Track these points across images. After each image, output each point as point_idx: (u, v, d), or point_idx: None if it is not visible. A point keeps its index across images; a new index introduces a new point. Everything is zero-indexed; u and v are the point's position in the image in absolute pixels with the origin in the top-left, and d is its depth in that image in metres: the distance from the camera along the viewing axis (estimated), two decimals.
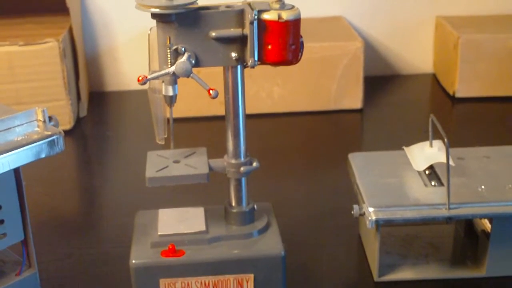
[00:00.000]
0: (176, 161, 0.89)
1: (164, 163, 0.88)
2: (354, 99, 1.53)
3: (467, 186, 0.92)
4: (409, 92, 1.69)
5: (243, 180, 0.89)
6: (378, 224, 0.88)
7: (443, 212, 0.88)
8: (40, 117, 0.82)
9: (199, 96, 1.32)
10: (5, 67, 1.40)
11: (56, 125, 0.82)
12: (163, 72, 0.79)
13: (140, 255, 0.86)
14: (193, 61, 0.80)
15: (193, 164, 0.88)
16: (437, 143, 0.96)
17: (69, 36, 1.49)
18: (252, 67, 0.81)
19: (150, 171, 0.86)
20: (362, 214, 0.89)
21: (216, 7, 0.80)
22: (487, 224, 0.93)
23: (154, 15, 0.78)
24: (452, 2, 1.72)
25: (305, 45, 0.83)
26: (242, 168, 0.87)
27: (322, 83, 1.51)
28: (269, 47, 0.79)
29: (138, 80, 0.79)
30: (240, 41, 0.80)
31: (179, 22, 0.79)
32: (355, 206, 0.91)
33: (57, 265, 0.99)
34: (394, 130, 1.46)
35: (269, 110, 1.52)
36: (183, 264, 0.85)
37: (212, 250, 0.86)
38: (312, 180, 1.24)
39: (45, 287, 0.92)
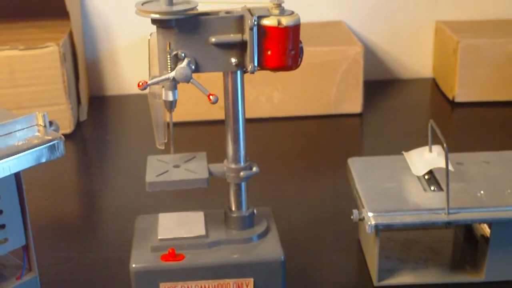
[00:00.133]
0: (176, 166, 0.89)
1: (164, 168, 0.88)
2: (353, 104, 1.53)
3: (466, 191, 0.92)
4: (408, 96, 1.69)
5: (243, 185, 0.89)
6: (378, 229, 0.88)
7: (443, 217, 0.88)
8: (41, 122, 0.82)
9: (199, 100, 1.32)
10: (5, 71, 1.40)
11: (57, 130, 0.83)
12: (163, 77, 0.80)
13: (140, 259, 0.86)
14: (193, 67, 0.80)
15: (193, 169, 0.88)
16: (437, 148, 0.96)
17: (70, 41, 1.49)
18: (252, 72, 0.81)
19: (150, 176, 0.87)
20: (362, 219, 0.90)
21: (216, 13, 0.81)
22: (486, 229, 0.94)
23: (154, 21, 0.79)
24: (452, 7, 1.73)
25: (305, 49, 0.83)
26: (242, 173, 0.88)
27: (322, 88, 1.52)
28: (269, 52, 0.80)
29: (138, 86, 0.79)
30: (240, 47, 0.81)
31: (179, 28, 0.79)
32: (355, 211, 0.91)
33: (57, 269, 0.99)
34: (393, 134, 1.46)
35: (269, 114, 1.52)
36: (183, 268, 0.85)
37: (212, 254, 0.87)
38: (312, 185, 1.24)
39: None
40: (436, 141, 0.93)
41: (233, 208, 0.90)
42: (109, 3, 1.66)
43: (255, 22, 0.79)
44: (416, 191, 0.93)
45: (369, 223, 0.87)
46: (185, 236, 0.88)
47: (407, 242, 1.01)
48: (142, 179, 0.87)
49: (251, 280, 0.87)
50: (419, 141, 1.01)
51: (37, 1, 1.56)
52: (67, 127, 1.45)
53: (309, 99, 1.52)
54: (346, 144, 1.44)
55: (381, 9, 1.72)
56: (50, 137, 0.80)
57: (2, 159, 0.76)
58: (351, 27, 1.71)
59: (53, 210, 1.17)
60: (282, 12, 0.80)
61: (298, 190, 1.22)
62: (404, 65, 1.77)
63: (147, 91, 0.84)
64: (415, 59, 1.77)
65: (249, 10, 0.81)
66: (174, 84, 0.81)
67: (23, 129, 0.80)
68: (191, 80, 0.80)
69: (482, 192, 0.92)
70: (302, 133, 1.48)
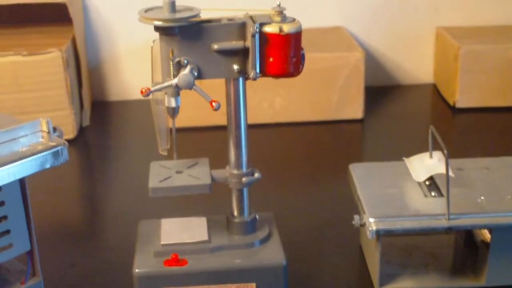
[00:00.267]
0: (179, 172, 0.90)
1: (167, 174, 0.89)
2: (355, 109, 1.54)
3: (466, 196, 0.93)
4: (409, 102, 1.70)
5: (245, 190, 0.90)
6: (379, 234, 0.89)
7: (443, 223, 0.88)
8: (45, 128, 0.83)
9: (201, 106, 1.33)
10: (9, 77, 1.41)
11: (61, 135, 0.83)
12: (166, 84, 0.81)
13: (143, 264, 0.87)
14: (196, 73, 0.81)
15: (196, 174, 0.89)
16: (437, 154, 0.96)
17: (73, 46, 1.50)
18: (254, 79, 0.82)
19: (153, 181, 0.87)
20: (363, 225, 0.90)
21: (218, 20, 0.81)
22: (486, 235, 0.94)
23: (157, 28, 0.80)
24: (453, 13, 1.73)
25: (306, 55, 0.84)
26: (244, 179, 0.88)
27: (323, 94, 1.53)
28: (271, 59, 0.81)
29: (141, 92, 0.80)
30: (242, 54, 0.81)
31: (181, 35, 0.80)
32: (356, 217, 0.91)
33: (60, 274, 1.00)
34: (394, 140, 1.47)
35: (271, 120, 1.53)
36: (186, 273, 0.86)
37: (214, 259, 0.87)
38: (313, 190, 1.25)
39: None
40: (436, 147, 0.94)
41: (235, 214, 0.91)
42: (112, 9, 1.67)
43: (257, 29, 0.79)
44: (417, 196, 0.93)
45: (370, 228, 0.88)
46: (187, 241, 0.89)
47: (408, 247, 1.02)
48: (145, 184, 0.88)
49: (253, 285, 0.87)
50: (420, 147, 1.02)
51: (40, 7, 1.57)
52: (70, 132, 1.46)
53: (311, 105, 1.53)
54: (347, 149, 1.45)
55: (382, 15, 1.72)
56: (54, 143, 0.81)
57: (6, 165, 0.77)
58: (352, 33, 1.72)
59: (56, 215, 1.18)
60: (284, 19, 0.81)
61: (299, 196, 1.23)
62: (405, 71, 1.78)
63: (150, 97, 0.84)
64: (416, 65, 1.78)
65: (251, 17, 0.82)
66: (176, 90, 0.82)
67: (27, 135, 0.81)
68: (193, 87, 0.80)
69: (482, 197, 0.92)
70: (304, 139, 1.49)
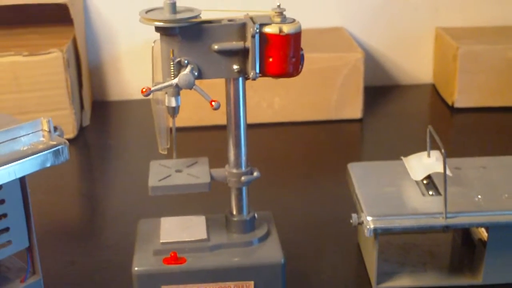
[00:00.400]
0: (179, 171, 0.90)
1: (166, 173, 0.90)
2: (354, 109, 1.55)
3: (464, 195, 0.93)
4: (408, 102, 1.70)
5: (244, 189, 0.90)
6: (377, 232, 0.89)
7: (440, 221, 0.89)
8: (46, 127, 0.83)
9: (201, 106, 1.33)
10: (10, 77, 1.42)
11: (61, 135, 0.84)
12: (166, 84, 0.81)
13: (142, 263, 0.87)
14: (196, 73, 0.81)
15: (195, 173, 0.90)
16: (435, 153, 0.97)
17: (73, 47, 1.51)
18: (254, 79, 0.82)
19: (153, 180, 0.88)
20: (361, 223, 0.91)
21: (218, 21, 0.82)
22: (484, 233, 0.95)
23: (158, 29, 0.80)
24: (452, 13, 1.74)
25: (305, 55, 0.84)
26: (243, 178, 0.89)
27: (322, 93, 1.53)
28: (270, 59, 0.81)
29: (142, 92, 0.81)
30: (242, 54, 0.82)
31: (182, 35, 0.80)
32: (354, 215, 0.92)
33: (60, 272, 1.00)
34: (393, 139, 1.47)
35: (270, 120, 1.54)
36: (185, 271, 0.87)
37: (213, 257, 0.88)
38: (312, 189, 1.26)
39: None
40: (435, 146, 0.95)
41: (234, 212, 0.91)
42: (112, 10, 1.68)
43: (257, 30, 0.80)
44: (415, 195, 0.94)
45: (368, 227, 0.89)
46: (187, 239, 0.89)
47: (406, 245, 1.02)
48: (145, 184, 0.89)
49: (252, 283, 0.88)
50: (418, 147, 1.02)
51: (41, 8, 1.58)
52: (70, 132, 1.47)
53: (310, 104, 1.54)
54: (346, 149, 1.46)
55: (381, 15, 1.73)
56: (54, 142, 0.82)
57: (7, 163, 0.77)
58: (351, 33, 1.72)
59: (56, 214, 1.18)
60: (284, 20, 0.82)
61: (298, 195, 1.23)
62: (404, 71, 1.79)
63: (150, 97, 0.85)
64: (415, 65, 1.78)
65: (251, 18, 0.83)
66: (177, 90, 0.83)
67: (28, 134, 0.82)
68: (194, 87, 0.81)
69: (479, 196, 0.93)
70: (303, 138, 1.49)
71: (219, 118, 1.44)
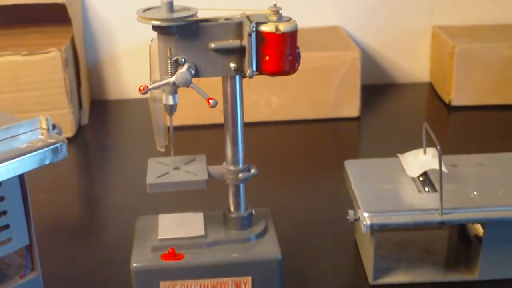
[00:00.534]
0: (176, 168, 0.91)
1: (164, 170, 0.90)
2: (351, 108, 1.56)
3: (459, 192, 0.94)
4: (405, 100, 1.71)
5: (241, 186, 0.91)
6: (373, 228, 0.90)
7: (436, 217, 0.90)
8: (44, 125, 0.84)
9: (199, 104, 1.34)
10: (8, 76, 1.43)
11: (60, 132, 0.85)
12: (163, 82, 0.82)
13: (140, 259, 0.88)
14: (193, 72, 0.82)
15: (193, 170, 0.90)
16: (431, 151, 0.98)
17: (71, 46, 1.52)
18: (250, 77, 0.83)
19: (151, 177, 0.89)
20: (357, 219, 0.92)
21: (215, 20, 0.83)
22: (479, 229, 0.96)
23: (155, 27, 0.81)
24: (449, 12, 1.75)
25: (303, 54, 0.85)
26: (240, 175, 0.90)
27: (320, 92, 1.54)
28: (267, 58, 0.82)
29: (140, 90, 0.81)
30: (239, 52, 0.83)
31: (179, 34, 0.81)
32: (350, 211, 0.93)
33: (59, 269, 1.01)
34: (391, 137, 1.48)
35: (268, 118, 1.54)
36: (183, 267, 0.87)
37: (211, 253, 0.89)
38: (310, 187, 1.26)
39: None
40: (431, 143, 0.95)
41: (232, 209, 0.92)
42: (110, 10, 1.68)
43: (254, 29, 0.81)
44: (411, 192, 0.95)
45: (364, 223, 0.90)
46: (184, 236, 0.90)
47: (403, 242, 1.03)
48: (143, 181, 0.89)
49: (249, 278, 0.89)
50: (415, 145, 1.03)
51: (39, 7, 1.58)
52: (69, 131, 1.48)
53: (308, 103, 1.54)
54: (343, 147, 1.47)
55: (378, 14, 1.74)
56: (53, 140, 0.83)
57: (6, 161, 0.78)
58: (348, 32, 1.73)
59: (55, 211, 1.19)
60: (280, 18, 0.82)
61: (296, 192, 1.24)
62: (401, 69, 1.79)
63: (147, 95, 0.86)
64: (412, 63, 1.79)
65: (247, 16, 0.83)
66: (174, 88, 0.83)
67: (27, 132, 0.83)
68: (191, 85, 0.82)
69: (475, 193, 0.94)
70: (301, 137, 1.50)
71: (217, 116, 1.44)
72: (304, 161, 1.38)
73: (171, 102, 0.84)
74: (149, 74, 0.86)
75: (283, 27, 0.81)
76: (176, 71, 0.81)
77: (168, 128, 0.90)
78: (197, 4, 0.85)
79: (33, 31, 1.61)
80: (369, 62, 1.75)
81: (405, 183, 0.97)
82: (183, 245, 0.89)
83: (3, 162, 0.77)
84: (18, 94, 1.44)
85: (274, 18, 0.82)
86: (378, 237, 0.97)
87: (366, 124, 1.55)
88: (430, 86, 1.76)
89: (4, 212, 0.83)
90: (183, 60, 0.82)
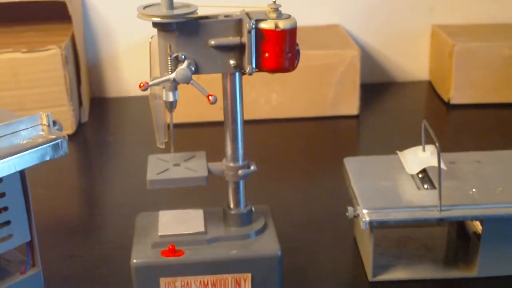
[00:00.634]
0: (176, 164, 0.91)
1: (164, 166, 0.91)
2: (350, 106, 1.56)
3: (458, 189, 0.94)
4: (405, 99, 1.71)
5: (241, 183, 0.91)
6: (372, 225, 0.91)
7: (435, 214, 0.90)
8: (45, 122, 0.84)
9: (199, 101, 1.34)
10: (8, 73, 1.43)
11: (60, 129, 0.85)
12: (163, 78, 0.82)
13: (141, 255, 0.88)
14: (193, 68, 0.82)
15: (193, 167, 0.91)
16: (430, 148, 0.98)
17: (71, 44, 1.52)
18: (250, 74, 0.83)
19: (151, 174, 0.89)
20: (357, 216, 0.92)
21: (215, 17, 0.83)
22: (478, 226, 0.96)
23: (155, 24, 0.81)
24: (448, 11, 1.75)
25: (303, 52, 0.85)
26: (240, 172, 0.90)
27: (319, 90, 1.54)
28: (266, 55, 0.82)
29: (140, 86, 0.82)
30: (238, 49, 0.83)
31: (179, 31, 0.81)
32: (350, 208, 0.93)
33: (60, 265, 1.01)
34: (390, 136, 1.48)
35: (268, 115, 1.55)
36: (183, 264, 0.88)
37: (211, 250, 0.89)
38: (309, 184, 1.27)
39: (48, 286, 0.94)
40: (430, 141, 0.96)
41: (232, 206, 0.92)
42: (110, 7, 1.69)
43: (253, 26, 0.81)
44: (410, 189, 0.95)
45: (363, 219, 0.90)
46: (184, 232, 0.90)
47: (402, 239, 1.04)
48: (143, 178, 0.90)
49: (249, 275, 0.89)
50: (414, 143, 1.03)
51: (40, 5, 1.59)
52: (69, 128, 1.48)
53: (307, 101, 1.55)
54: (343, 145, 1.47)
55: (378, 13, 1.74)
56: (54, 136, 0.83)
57: (7, 157, 0.78)
58: (348, 30, 1.73)
59: (56, 208, 1.19)
60: (279, 15, 0.83)
61: (295, 189, 1.24)
62: (401, 68, 1.80)
63: (148, 92, 0.86)
64: (411, 62, 1.79)
65: (247, 14, 0.84)
66: (174, 85, 0.83)
67: (28, 128, 0.83)
68: (191, 81, 0.82)
69: (474, 190, 0.94)
70: (300, 134, 1.50)
71: (217, 114, 1.44)
72: (304, 159, 1.38)
73: (171, 98, 0.85)
74: (149, 71, 0.86)
75: (282, 24, 0.81)
76: (176, 67, 0.82)
77: (168, 125, 0.90)
78: (197, 1, 0.85)
79: (33, 29, 1.61)
80: (368, 60, 1.75)
81: (404, 180, 0.97)
82: (183, 242, 0.89)
83: (4, 158, 0.78)
84: (18, 91, 1.45)
85: (273, 15, 0.82)
86: (377, 234, 0.97)
87: (366, 122, 1.55)
88: (429, 85, 1.77)
89: (5, 208, 0.83)
90: (183, 57, 0.82)
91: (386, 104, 1.66)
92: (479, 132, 1.49)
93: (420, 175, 0.98)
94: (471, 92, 1.61)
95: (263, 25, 0.82)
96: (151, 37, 0.84)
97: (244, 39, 0.82)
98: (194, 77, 0.82)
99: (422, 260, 0.99)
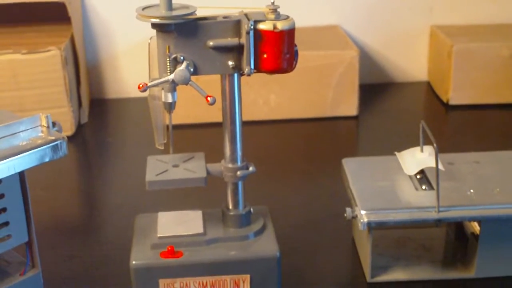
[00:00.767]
0: (175, 165, 0.92)
1: (163, 167, 0.91)
2: (349, 106, 1.56)
3: (456, 190, 0.95)
4: (403, 99, 1.72)
5: (240, 184, 0.92)
6: (370, 226, 0.91)
7: (433, 215, 0.90)
8: (44, 123, 0.85)
9: (198, 102, 1.35)
10: (8, 74, 1.43)
11: (60, 130, 0.85)
12: (162, 79, 0.82)
13: (140, 256, 0.88)
14: (192, 69, 0.83)
15: (192, 168, 0.91)
16: (428, 149, 0.98)
17: (71, 45, 1.52)
18: (248, 75, 0.84)
19: (150, 175, 0.89)
20: (355, 217, 0.92)
21: (214, 18, 0.83)
22: (476, 227, 0.96)
23: (154, 25, 0.81)
24: (447, 12, 1.75)
25: (302, 53, 0.86)
26: (238, 172, 0.90)
27: (318, 91, 1.54)
28: (265, 55, 0.83)
29: (139, 87, 0.82)
30: (237, 50, 0.83)
31: (178, 32, 0.82)
32: (348, 209, 0.94)
33: (59, 266, 1.02)
34: (389, 136, 1.49)
35: (266, 117, 1.55)
36: (182, 265, 0.88)
37: (209, 251, 0.89)
38: (308, 185, 1.27)
39: (48, 287, 0.94)
40: (428, 142, 0.96)
41: (230, 207, 0.93)
42: (109, 8, 1.69)
43: (252, 27, 0.81)
44: (408, 190, 0.95)
45: (362, 220, 0.90)
46: (183, 234, 0.91)
47: (400, 240, 1.04)
48: (142, 179, 0.90)
49: (248, 276, 0.89)
50: (413, 144, 1.03)
51: (39, 6, 1.59)
52: (69, 129, 1.48)
53: (306, 102, 1.55)
54: (342, 146, 1.47)
55: (376, 13, 1.74)
56: (53, 137, 0.83)
57: (6, 158, 0.78)
58: (347, 31, 1.74)
59: (55, 209, 1.20)
60: (278, 16, 0.83)
61: (294, 190, 1.25)
62: (400, 68, 1.80)
63: (147, 93, 0.86)
64: (410, 62, 1.80)
65: (245, 15, 0.84)
66: (173, 86, 0.84)
67: (27, 129, 0.83)
68: (189, 82, 0.82)
69: (471, 190, 0.94)
70: (299, 135, 1.50)
71: (215, 115, 1.45)
72: (302, 160, 1.38)
73: (170, 99, 0.85)
74: (148, 72, 0.87)
75: (281, 25, 0.82)
76: (175, 68, 0.82)
77: (167, 126, 0.90)
78: (196, 2, 0.86)
79: (33, 30, 1.62)
80: (367, 61, 1.76)
81: (402, 181, 0.98)
82: (182, 243, 0.89)
83: (3, 159, 0.78)
84: (18, 92, 1.45)
85: (272, 16, 0.83)
86: (375, 235, 0.98)
87: (364, 123, 1.55)
88: (428, 85, 1.77)
89: (4, 209, 0.83)
90: (182, 58, 0.82)
91: (385, 105, 1.67)
92: (478, 133, 1.49)
93: (418, 176, 0.99)
94: (469, 93, 1.61)
95: (262, 26, 0.82)
96: (150, 38, 0.85)
97: (243, 40, 0.82)
98: (193, 78, 0.83)
99: (421, 261, 0.99)
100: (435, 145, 0.90)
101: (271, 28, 0.82)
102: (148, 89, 0.83)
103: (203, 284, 0.89)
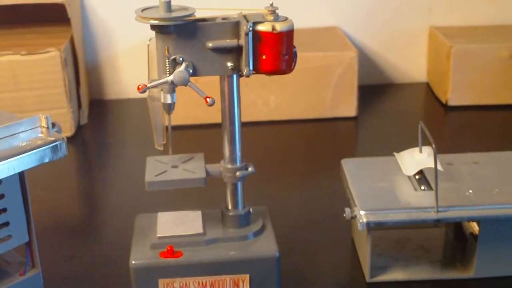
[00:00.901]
0: (175, 166, 0.92)
1: (162, 168, 0.91)
2: (349, 107, 1.56)
3: (455, 190, 0.95)
4: (402, 100, 1.72)
5: (239, 184, 0.92)
6: (369, 226, 0.91)
7: (432, 215, 0.91)
8: (44, 124, 0.85)
9: (197, 103, 1.35)
10: (8, 75, 1.43)
11: (59, 131, 0.86)
12: (162, 80, 0.83)
13: (139, 256, 0.89)
14: (191, 71, 0.83)
15: (191, 169, 0.91)
16: (427, 149, 0.99)
17: (70, 46, 1.52)
18: (247, 76, 0.84)
19: (149, 176, 0.90)
20: (354, 217, 0.93)
21: (213, 19, 0.84)
22: (475, 227, 0.96)
23: (153, 27, 0.82)
24: (445, 12, 1.76)
25: (301, 54, 0.86)
26: (238, 173, 0.90)
27: (317, 92, 1.55)
28: (264, 57, 0.83)
29: (138, 89, 0.82)
30: (236, 52, 0.84)
31: (177, 33, 0.82)
32: (347, 209, 0.94)
33: (59, 267, 1.02)
34: (388, 137, 1.49)
35: (266, 118, 1.55)
36: (181, 265, 0.88)
37: (209, 251, 0.89)
38: (307, 186, 1.27)
39: (48, 287, 0.94)
40: (427, 142, 0.96)
41: (230, 207, 0.93)
42: (109, 10, 1.69)
43: (251, 28, 0.82)
44: (407, 190, 0.96)
45: (361, 221, 0.90)
46: (183, 234, 0.91)
47: (399, 240, 1.04)
48: (142, 180, 0.90)
49: (247, 276, 0.89)
50: (412, 144, 1.03)
51: (39, 8, 1.59)
52: (68, 130, 1.48)
53: (305, 103, 1.55)
54: (341, 146, 1.47)
55: (375, 14, 1.75)
56: (53, 138, 0.83)
57: (6, 159, 0.79)
58: (346, 32, 1.74)
59: (55, 210, 1.20)
60: (277, 18, 0.83)
61: (294, 191, 1.25)
62: (399, 69, 1.80)
63: (146, 94, 0.87)
64: (409, 63, 1.80)
65: (244, 16, 0.84)
66: (172, 87, 0.84)
67: (27, 130, 0.84)
68: (188, 84, 0.83)
69: (470, 191, 0.95)
70: (298, 136, 1.51)
71: (215, 116, 1.45)
72: (302, 160, 1.38)
73: (169, 100, 0.85)
74: (148, 73, 0.87)
75: (279, 27, 0.82)
76: (174, 70, 0.82)
77: (167, 127, 0.90)
78: (195, 3, 0.86)
79: (33, 31, 1.62)
80: (366, 62, 1.76)
81: (401, 182, 0.98)
82: (182, 243, 0.90)
83: (3, 160, 0.78)
84: (18, 93, 1.45)
85: (270, 17, 0.83)
86: (374, 235, 0.98)
87: (363, 124, 1.56)
88: (427, 86, 1.77)
89: (4, 210, 0.84)
90: (181, 59, 0.83)
91: (384, 106, 1.67)
92: (477, 134, 1.50)
93: (417, 177, 0.99)
94: (468, 94, 1.61)
95: (260, 28, 0.82)
96: (149, 40, 0.85)
97: (242, 41, 0.83)
98: (192, 79, 0.83)
99: (420, 261, 1.00)
100: (434, 145, 0.91)
101: (270, 29, 0.82)
102: (148, 90, 0.84)
103: (202, 284, 0.89)
